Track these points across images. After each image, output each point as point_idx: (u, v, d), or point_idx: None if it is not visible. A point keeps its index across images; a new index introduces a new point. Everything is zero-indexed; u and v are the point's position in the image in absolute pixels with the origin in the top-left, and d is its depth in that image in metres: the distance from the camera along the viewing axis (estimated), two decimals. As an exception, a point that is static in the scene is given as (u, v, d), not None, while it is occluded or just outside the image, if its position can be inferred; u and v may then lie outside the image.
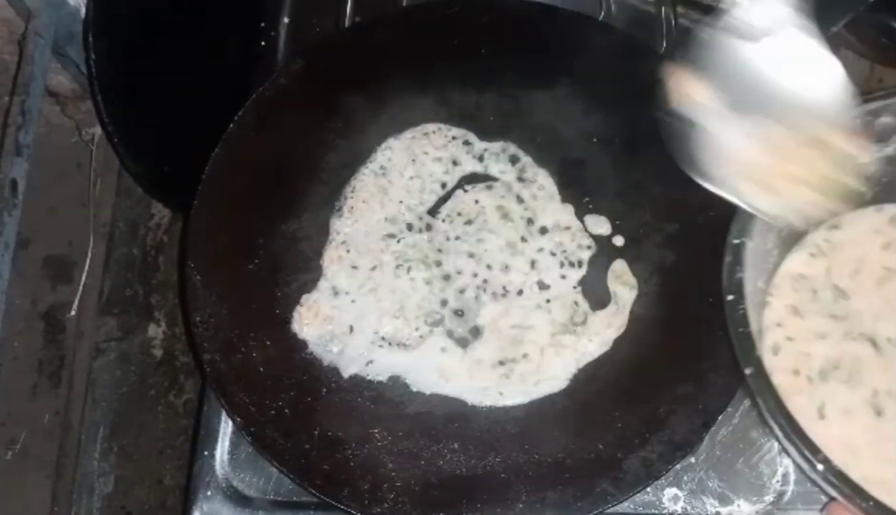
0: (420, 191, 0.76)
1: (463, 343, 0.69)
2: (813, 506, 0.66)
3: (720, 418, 0.65)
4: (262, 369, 0.68)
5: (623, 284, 0.71)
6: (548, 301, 0.71)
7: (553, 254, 0.72)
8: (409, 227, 0.74)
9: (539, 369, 0.68)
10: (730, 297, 0.55)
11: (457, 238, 0.73)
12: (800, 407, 0.57)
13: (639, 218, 0.74)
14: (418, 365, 0.69)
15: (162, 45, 0.80)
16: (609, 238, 0.74)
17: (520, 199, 0.75)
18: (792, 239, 0.65)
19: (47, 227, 1.05)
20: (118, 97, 0.76)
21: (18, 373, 1.01)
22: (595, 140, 0.77)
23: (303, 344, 0.70)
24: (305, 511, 0.68)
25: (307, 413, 0.67)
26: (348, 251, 0.73)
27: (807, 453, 0.50)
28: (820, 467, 0.50)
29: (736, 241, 0.57)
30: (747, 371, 0.53)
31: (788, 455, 0.61)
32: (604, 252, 0.73)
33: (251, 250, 0.73)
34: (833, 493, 0.51)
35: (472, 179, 0.77)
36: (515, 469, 0.64)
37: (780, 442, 0.59)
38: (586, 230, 0.74)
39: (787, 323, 0.63)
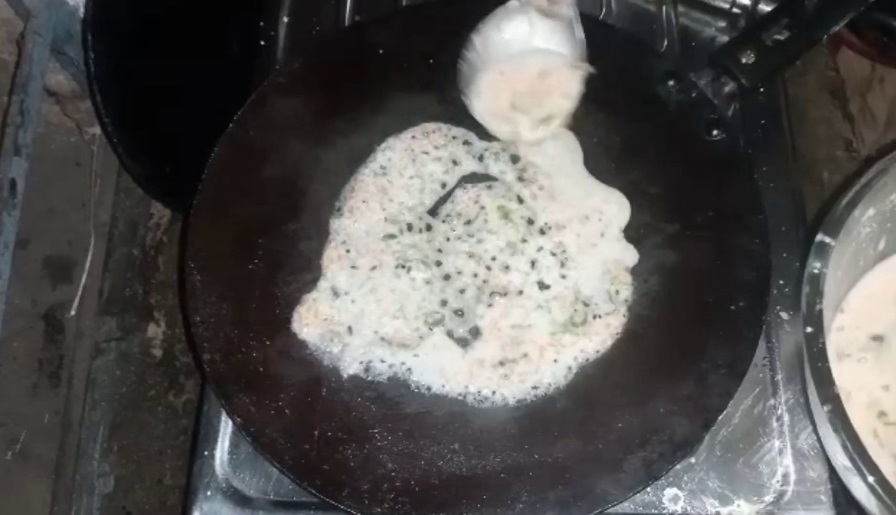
0: (420, 191, 0.75)
1: (463, 343, 0.69)
2: (813, 506, 0.66)
3: (720, 418, 0.65)
4: (262, 369, 0.68)
5: (623, 284, 0.71)
6: (548, 301, 0.70)
7: (553, 254, 0.72)
8: (409, 227, 0.74)
9: (539, 369, 0.68)
10: (809, 330, 0.53)
11: (457, 238, 0.73)
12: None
13: (639, 218, 0.74)
14: (418, 366, 0.68)
15: (162, 45, 0.80)
16: (609, 238, 0.74)
17: (520, 199, 0.75)
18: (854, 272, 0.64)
19: (47, 227, 1.05)
20: (118, 97, 0.76)
21: (18, 373, 1.01)
22: (595, 140, 0.77)
23: (303, 344, 0.70)
24: (305, 511, 0.68)
25: (307, 413, 0.67)
26: (348, 251, 0.73)
27: (881, 492, 0.49)
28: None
29: (815, 271, 0.55)
30: (825, 408, 0.51)
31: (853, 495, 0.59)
32: (604, 252, 0.73)
33: (251, 250, 0.73)
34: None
35: (472, 179, 0.76)
36: (515, 469, 0.64)
37: (847, 482, 0.57)
38: (586, 230, 0.74)
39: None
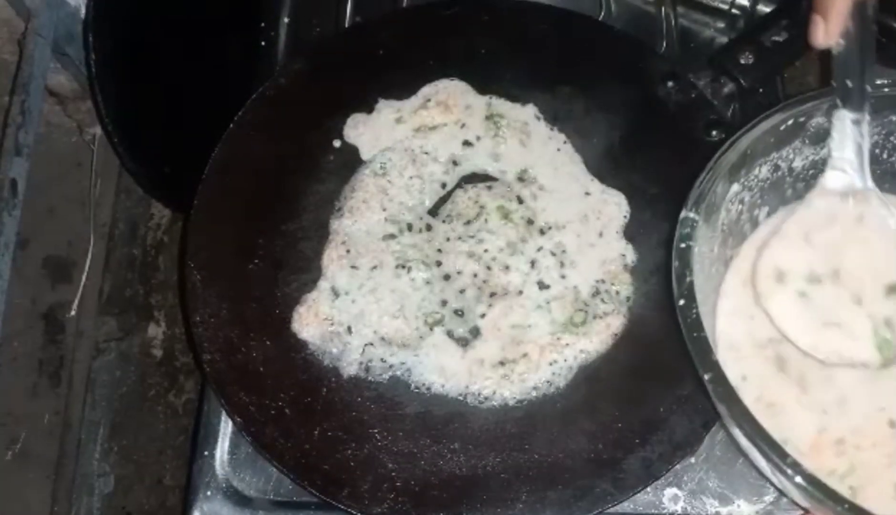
0: (420, 191, 0.76)
1: (463, 343, 0.69)
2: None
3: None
4: (262, 369, 0.68)
5: (623, 284, 0.71)
6: (548, 301, 0.71)
7: (553, 254, 0.72)
8: (409, 227, 0.74)
9: (539, 369, 0.68)
10: (682, 302, 0.55)
11: (457, 238, 0.73)
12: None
13: (638, 218, 0.74)
14: (418, 366, 0.69)
15: (162, 46, 0.80)
16: (609, 238, 0.74)
17: (520, 199, 0.75)
18: (732, 242, 0.65)
19: (47, 227, 1.05)
20: (118, 97, 0.76)
21: (18, 373, 1.01)
22: (595, 140, 0.77)
23: (303, 344, 0.70)
24: (305, 511, 0.68)
25: (307, 413, 0.67)
26: (348, 251, 0.73)
27: (774, 457, 0.50)
28: (789, 471, 0.49)
29: (682, 246, 0.57)
30: (706, 376, 0.53)
31: (752, 462, 0.60)
32: (604, 252, 0.73)
33: (251, 250, 0.73)
34: (803, 502, 0.51)
35: (472, 179, 0.77)
36: (515, 469, 0.64)
37: (742, 449, 0.58)
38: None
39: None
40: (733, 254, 0.66)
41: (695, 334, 0.54)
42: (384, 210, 0.74)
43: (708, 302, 0.61)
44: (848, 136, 0.59)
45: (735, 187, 0.62)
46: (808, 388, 0.61)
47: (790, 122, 0.61)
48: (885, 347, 0.60)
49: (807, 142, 0.63)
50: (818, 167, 0.63)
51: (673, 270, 0.56)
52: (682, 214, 0.58)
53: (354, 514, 0.63)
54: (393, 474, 0.64)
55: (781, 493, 0.63)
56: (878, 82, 0.60)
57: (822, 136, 0.62)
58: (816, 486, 0.49)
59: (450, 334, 0.70)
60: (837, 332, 0.60)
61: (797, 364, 0.62)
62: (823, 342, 0.60)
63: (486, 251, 0.72)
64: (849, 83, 0.59)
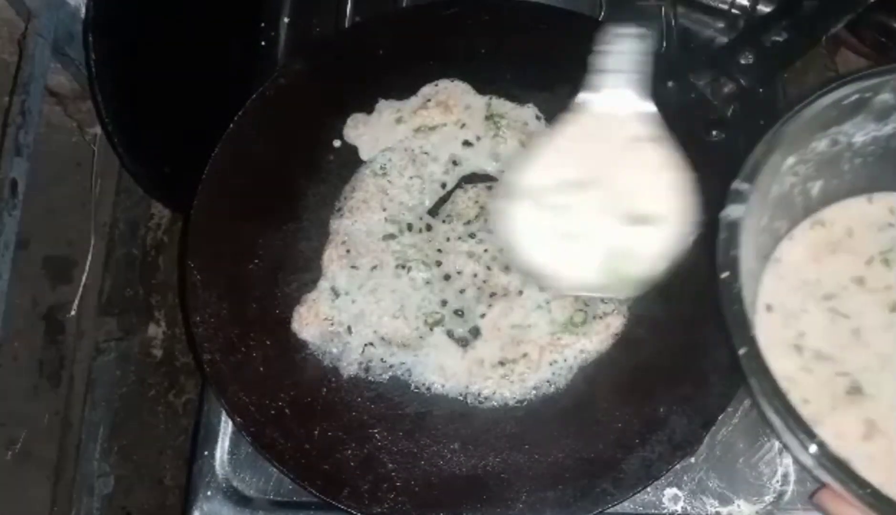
0: (420, 191, 0.76)
1: (463, 343, 0.69)
2: (813, 506, 0.66)
3: (720, 418, 0.65)
4: (262, 369, 0.68)
5: (623, 284, 0.71)
6: (548, 301, 0.70)
7: (553, 254, 0.72)
8: (409, 227, 0.74)
9: (539, 369, 0.68)
10: (725, 275, 0.54)
11: (457, 238, 0.73)
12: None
13: (639, 218, 0.74)
14: (418, 366, 0.69)
15: (162, 45, 0.80)
16: (609, 238, 0.74)
17: (520, 199, 0.75)
18: (788, 219, 0.65)
19: (47, 227, 1.05)
20: (118, 97, 0.76)
21: (18, 373, 1.01)
22: (595, 140, 0.77)
23: (303, 344, 0.70)
24: (305, 511, 0.68)
25: (307, 413, 0.67)
26: (348, 251, 0.73)
27: (802, 436, 0.50)
28: (814, 450, 0.49)
29: (732, 218, 0.56)
30: (741, 350, 0.52)
31: (780, 440, 0.60)
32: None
33: (251, 250, 0.73)
34: (828, 480, 0.51)
35: (472, 179, 0.77)
36: (515, 469, 0.64)
37: (772, 426, 0.58)
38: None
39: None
40: (783, 226, 0.65)
41: (734, 307, 0.53)
42: (384, 210, 0.74)
43: (751, 273, 0.60)
44: (631, 53, 0.59)
45: (791, 160, 0.61)
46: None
47: (854, 97, 0.59)
48: (612, 276, 0.61)
49: (870, 117, 0.62)
50: (879, 143, 0.62)
51: (719, 242, 0.55)
52: (734, 186, 0.56)
53: (354, 514, 0.63)
54: (393, 474, 0.64)
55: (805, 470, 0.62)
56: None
57: (886, 113, 0.61)
58: (841, 468, 0.49)
59: (450, 334, 0.70)
60: (569, 253, 0.61)
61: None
62: (553, 259, 0.61)
63: (485, 251, 0.72)
64: None
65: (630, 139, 0.61)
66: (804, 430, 0.50)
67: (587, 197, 0.60)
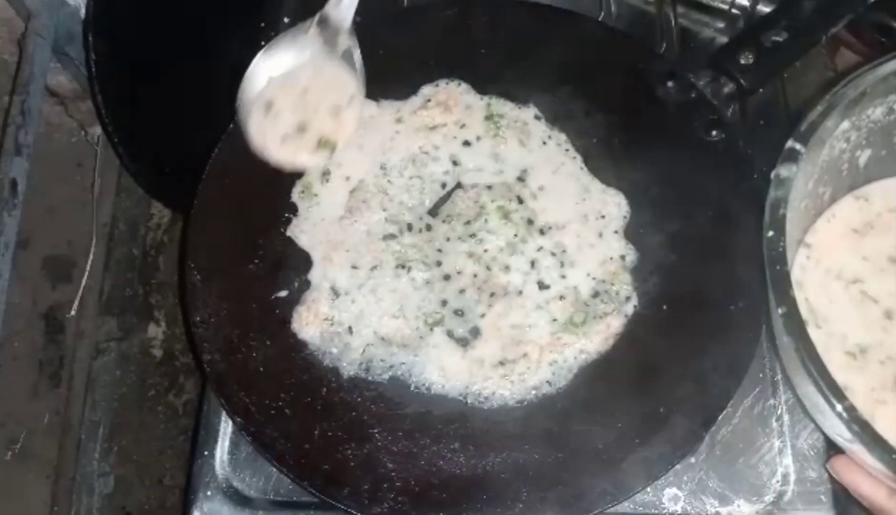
0: (420, 191, 0.76)
1: (463, 343, 0.69)
2: (813, 506, 0.67)
3: (720, 418, 0.65)
4: (262, 369, 0.68)
5: (623, 284, 0.71)
6: (547, 301, 0.71)
7: (553, 254, 0.72)
8: (409, 227, 0.74)
9: (539, 369, 0.68)
10: (770, 234, 0.54)
11: (457, 238, 0.73)
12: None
13: (639, 218, 0.74)
14: (418, 365, 0.69)
15: (162, 46, 0.80)
16: (609, 238, 0.74)
17: (520, 199, 0.75)
18: (831, 186, 0.65)
19: (47, 227, 1.05)
20: (118, 97, 0.76)
21: (18, 373, 1.01)
22: (595, 140, 0.77)
23: (303, 344, 0.70)
24: (305, 511, 0.68)
25: (307, 413, 0.67)
26: (348, 251, 0.73)
27: (832, 398, 0.49)
28: (843, 413, 0.49)
29: (784, 176, 0.55)
30: (780, 310, 0.52)
31: (807, 412, 0.60)
32: (604, 252, 0.73)
33: (251, 250, 0.73)
34: (855, 447, 0.50)
35: (472, 179, 0.76)
36: (515, 469, 0.64)
37: (798, 395, 0.58)
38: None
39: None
40: (827, 192, 0.65)
41: (777, 267, 0.53)
42: (384, 210, 0.74)
43: (792, 235, 0.60)
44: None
45: (845, 124, 0.60)
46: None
47: None
48: (324, 149, 0.74)
49: None
50: None
51: (769, 200, 0.55)
52: (789, 144, 0.56)
53: (354, 514, 0.63)
54: (393, 474, 0.64)
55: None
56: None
57: None
58: (870, 434, 0.48)
59: (450, 334, 0.70)
60: (293, 143, 0.73)
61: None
62: (285, 152, 0.74)
63: (486, 251, 0.72)
64: None
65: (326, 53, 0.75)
66: (834, 392, 0.49)
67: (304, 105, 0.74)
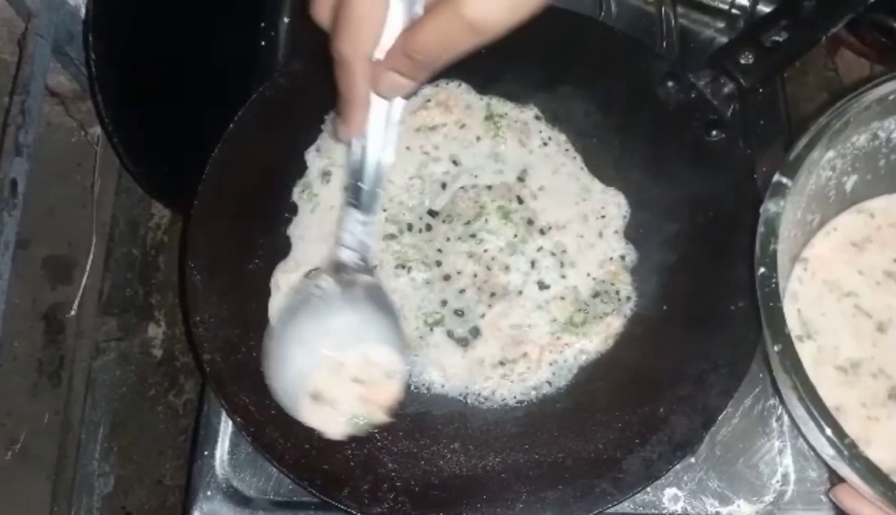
0: (420, 191, 0.76)
1: (463, 343, 0.69)
2: (813, 506, 0.67)
3: (720, 418, 0.65)
4: (262, 369, 0.68)
5: (623, 284, 0.71)
6: (547, 301, 0.71)
7: (553, 254, 0.72)
8: (409, 227, 0.74)
9: (539, 369, 0.68)
10: (762, 271, 0.54)
11: (457, 238, 0.73)
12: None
13: (639, 218, 0.74)
14: (418, 365, 0.69)
15: (162, 46, 0.80)
16: (609, 238, 0.74)
17: (520, 199, 0.75)
18: (820, 213, 0.65)
19: (47, 227, 1.05)
20: (118, 97, 0.76)
21: (18, 373, 1.01)
22: (595, 140, 0.77)
23: (303, 344, 0.70)
24: (305, 511, 0.68)
25: (307, 413, 0.67)
26: (348, 251, 0.73)
27: (833, 437, 0.49)
28: (846, 452, 0.49)
29: (772, 212, 0.55)
30: (776, 347, 0.52)
31: (805, 438, 0.60)
32: (604, 252, 0.73)
33: (251, 250, 0.73)
34: (854, 479, 0.50)
35: (472, 179, 0.76)
36: (515, 469, 0.64)
37: (797, 424, 0.58)
38: (586, 230, 0.74)
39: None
40: (815, 219, 0.65)
41: (771, 304, 0.53)
42: (384, 210, 0.74)
43: (783, 267, 0.60)
44: (356, 233, 0.62)
45: (830, 153, 0.61)
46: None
47: None
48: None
49: None
50: None
51: (758, 236, 0.55)
52: (776, 179, 0.56)
53: (354, 514, 0.63)
54: (393, 474, 0.64)
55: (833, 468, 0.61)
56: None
57: None
58: (872, 471, 0.48)
59: (450, 334, 0.70)
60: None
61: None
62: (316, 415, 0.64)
63: (486, 251, 0.72)
64: (361, 185, 0.59)
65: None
66: (837, 432, 0.49)
67: None
